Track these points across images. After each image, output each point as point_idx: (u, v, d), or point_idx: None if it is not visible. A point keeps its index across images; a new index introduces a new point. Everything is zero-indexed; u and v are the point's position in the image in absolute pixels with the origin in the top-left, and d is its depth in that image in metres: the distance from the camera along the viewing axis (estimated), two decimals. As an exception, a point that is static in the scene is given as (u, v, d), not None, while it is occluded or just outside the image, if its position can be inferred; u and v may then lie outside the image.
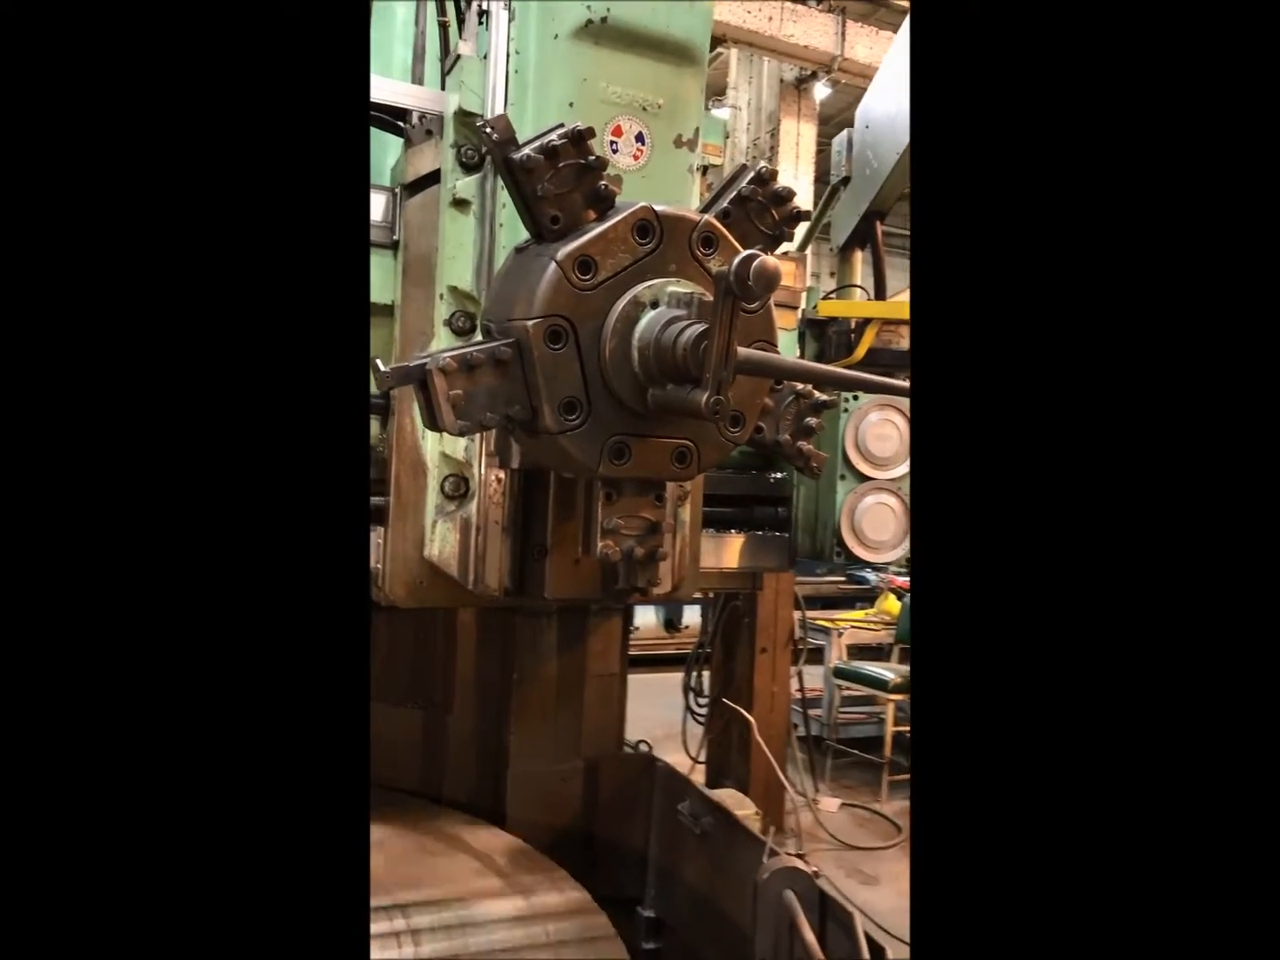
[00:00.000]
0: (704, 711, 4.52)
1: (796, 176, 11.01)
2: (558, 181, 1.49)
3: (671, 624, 9.42)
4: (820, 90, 12.04)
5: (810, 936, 1.64)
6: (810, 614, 5.75)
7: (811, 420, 1.73)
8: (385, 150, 2.26)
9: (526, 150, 1.47)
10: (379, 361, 1.45)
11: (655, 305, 1.51)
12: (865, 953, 1.66)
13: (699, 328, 1.42)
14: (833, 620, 6.80)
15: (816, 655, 6.37)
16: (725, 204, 1.65)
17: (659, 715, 5.01)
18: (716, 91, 12.67)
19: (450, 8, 2.21)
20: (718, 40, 10.55)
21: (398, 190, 2.01)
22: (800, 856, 2.35)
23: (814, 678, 6.09)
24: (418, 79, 2.50)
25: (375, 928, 1.91)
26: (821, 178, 4.51)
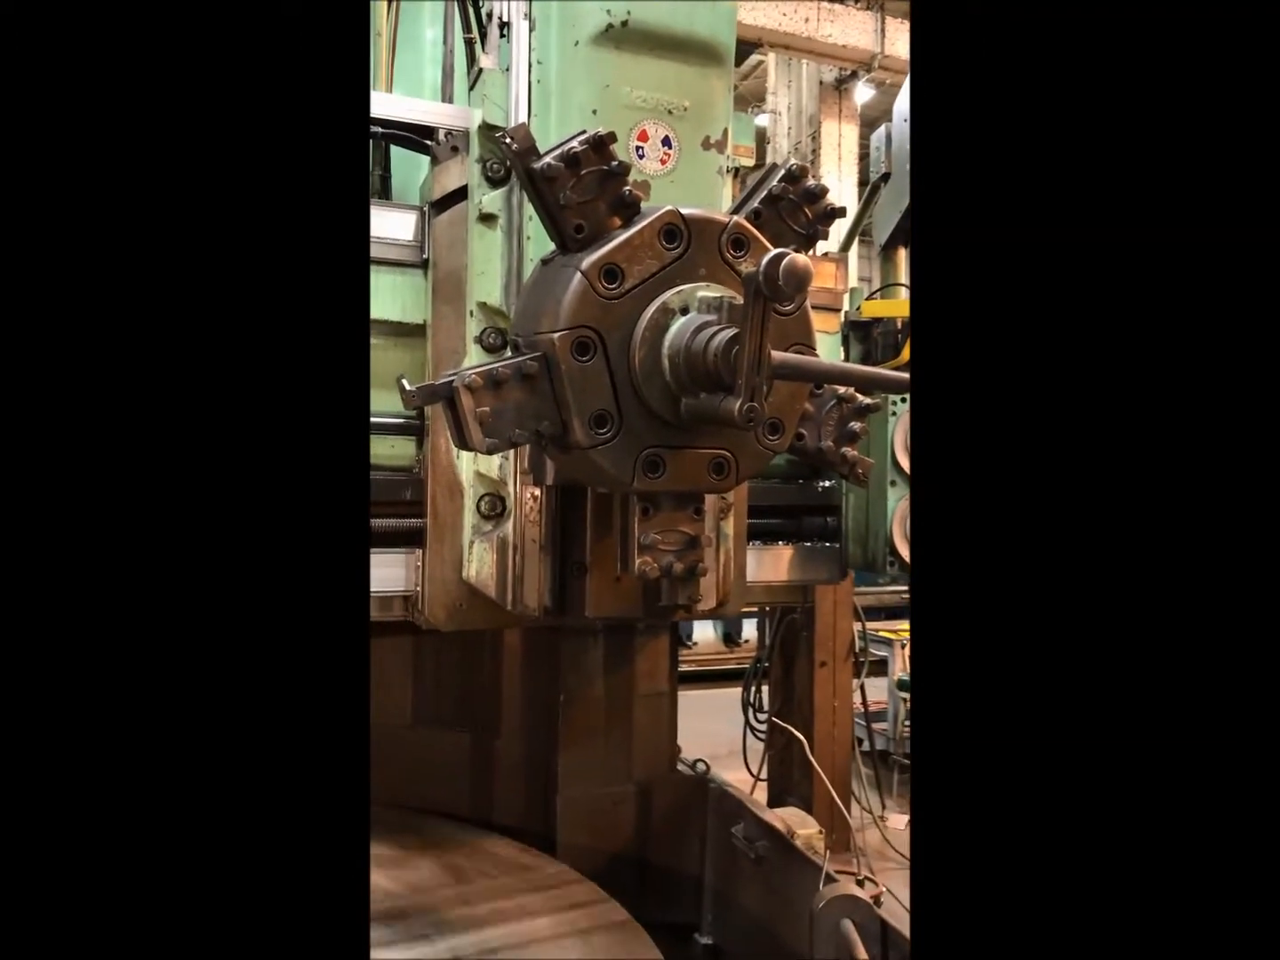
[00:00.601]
0: (764, 728, 4.42)
1: (840, 179, 10.89)
2: (580, 189, 1.45)
3: (730, 638, 9.32)
4: (863, 92, 11.91)
5: (870, 969, 1.56)
6: (872, 625, 5.61)
7: (855, 425, 1.66)
8: (418, 170, 2.25)
9: (547, 159, 1.43)
10: (405, 381, 1.42)
11: (685, 311, 1.45)
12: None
13: (729, 332, 1.36)
14: (895, 631, 6.62)
15: (880, 667, 6.20)
16: (756, 204, 1.60)
17: (721, 731, 4.92)
18: (757, 98, 12.62)
19: (475, 23, 2.19)
20: (754, 45, 10.48)
21: (426, 208, 1.99)
22: (865, 879, 2.26)
23: (878, 690, 5.92)
24: (447, 98, 2.49)
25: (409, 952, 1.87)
26: (865, 180, 4.42)
